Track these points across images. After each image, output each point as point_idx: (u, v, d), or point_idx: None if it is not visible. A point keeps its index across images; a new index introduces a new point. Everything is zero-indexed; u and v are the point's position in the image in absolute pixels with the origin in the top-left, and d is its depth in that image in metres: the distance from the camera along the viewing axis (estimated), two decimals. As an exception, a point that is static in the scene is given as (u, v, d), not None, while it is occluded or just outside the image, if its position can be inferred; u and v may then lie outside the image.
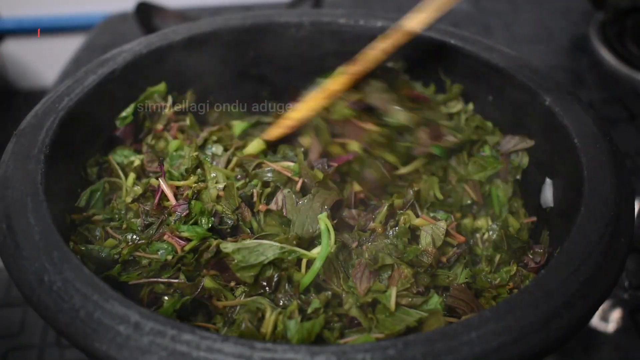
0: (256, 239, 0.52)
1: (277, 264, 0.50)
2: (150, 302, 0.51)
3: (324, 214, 0.53)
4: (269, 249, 0.50)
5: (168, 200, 0.55)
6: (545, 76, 0.60)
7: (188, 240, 0.52)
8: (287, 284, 0.50)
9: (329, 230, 0.51)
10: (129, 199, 0.57)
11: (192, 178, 0.58)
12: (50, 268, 0.42)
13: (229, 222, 0.54)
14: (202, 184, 0.56)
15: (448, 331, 0.38)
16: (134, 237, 0.54)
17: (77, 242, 0.52)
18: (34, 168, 0.49)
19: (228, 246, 0.50)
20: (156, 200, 0.55)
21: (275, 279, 0.50)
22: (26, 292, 0.42)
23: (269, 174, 0.58)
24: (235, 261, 0.49)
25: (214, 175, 0.58)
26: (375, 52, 0.61)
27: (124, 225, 0.55)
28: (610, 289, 0.43)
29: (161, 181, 0.56)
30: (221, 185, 0.56)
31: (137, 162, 0.61)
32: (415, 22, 0.60)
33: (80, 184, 0.59)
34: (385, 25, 0.69)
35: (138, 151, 0.64)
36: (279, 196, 0.56)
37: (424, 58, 0.68)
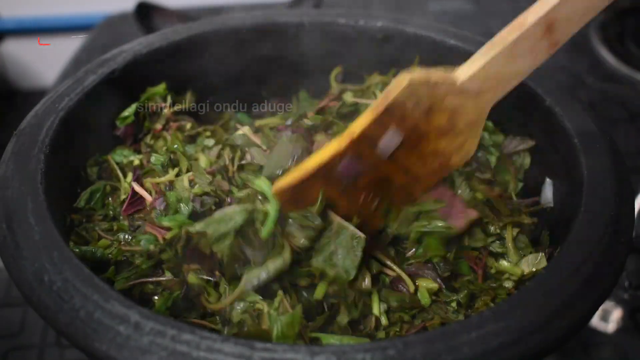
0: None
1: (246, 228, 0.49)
2: (142, 303, 0.50)
3: (263, 177, 0.53)
4: (237, 214, 0.49)
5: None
6: (545, 76, 0.60)
7: (169, 229, 0.52)
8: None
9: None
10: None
11: (172, 172, 0.58)
12: (50, 268, 0.42)
13: (209, 200, 0.54)
14: (175, 176, 0.57)
15: (448, 331, 0.38)
16: (126, 236, 0.54)
17: (77, 243, 0.52)
18: (34, 168, 0.49)
19: (196, 225, 0.49)
20: (125, 205, 0.56)
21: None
22: (26, 292, 0.42)
23: (239, 140, 0.60)
24: (208, 236, 0.48)
25: (187, 163, 0.59)
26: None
27: (115, 227, 0.55)
28: (610, 289, 0.43)
29: (133, 184, 0.57)
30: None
31: (136, 162, 0.61)
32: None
33: (80, 184, 0.59)
34: (385, 25, 0.69)
35: (138, 151, 0.64)
36: (248, 155, 0.58)
37: (424, 58, 0.67)
